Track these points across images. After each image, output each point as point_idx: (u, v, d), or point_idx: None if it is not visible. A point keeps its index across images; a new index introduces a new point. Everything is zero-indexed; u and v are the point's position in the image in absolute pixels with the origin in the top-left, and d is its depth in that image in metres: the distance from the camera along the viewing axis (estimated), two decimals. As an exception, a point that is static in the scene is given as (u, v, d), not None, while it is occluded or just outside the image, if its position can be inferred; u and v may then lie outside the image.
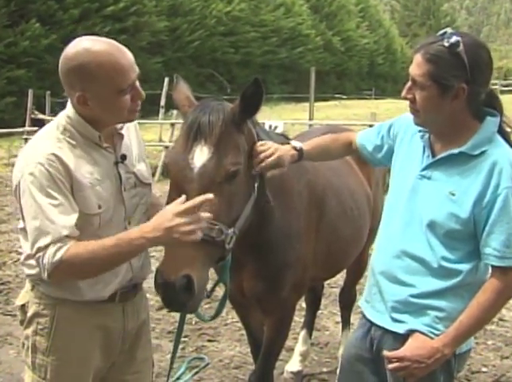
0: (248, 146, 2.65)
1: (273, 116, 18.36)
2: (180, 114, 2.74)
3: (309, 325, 4.91)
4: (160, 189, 12.36)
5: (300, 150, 2.77)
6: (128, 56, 2.31)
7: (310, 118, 16.48)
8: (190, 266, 2.27)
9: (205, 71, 31.89)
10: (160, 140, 16.34)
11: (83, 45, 2.26)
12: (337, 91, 39.67)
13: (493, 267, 2.32)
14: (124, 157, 2.45)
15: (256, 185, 2.68)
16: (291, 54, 41.42)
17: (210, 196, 2.15)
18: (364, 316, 2.64)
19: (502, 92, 38.23)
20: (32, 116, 18.67)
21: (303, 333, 4.83)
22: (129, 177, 2.46)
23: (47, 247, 2.16)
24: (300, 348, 4.74)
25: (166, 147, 14.24)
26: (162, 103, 16.52)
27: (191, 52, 33.94)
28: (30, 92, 18.93)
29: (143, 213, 2.53)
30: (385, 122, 2.79)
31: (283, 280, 3.16)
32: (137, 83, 2.35)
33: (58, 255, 2.14)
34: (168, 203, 2.44)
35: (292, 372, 4.60)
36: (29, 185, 2.20)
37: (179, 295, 2.26)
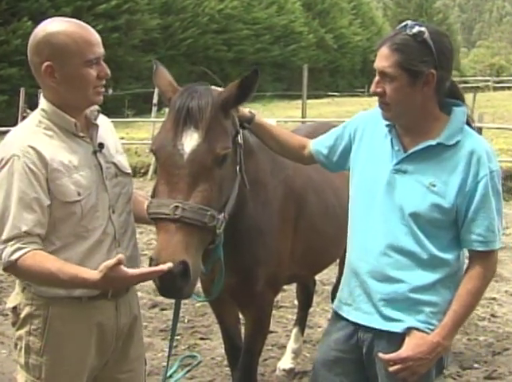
0: (234, 131, 2.68)
1: (265, 114, 18.36)
2: (164, 100, 2.72)
3: (301, 322, 4.92)
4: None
5: (251, 113, 2.83)
6: (95, 33, 2.39)
7: (303, 116, 16.47)
8: (185, 252, 2.28)
9: (198, 69, 31.78)
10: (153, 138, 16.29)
11: (52, 22, 2.38)
12: (330, 88, 39.75)
13: (476, 252, 2.37)
14: (101, 145, 2.48)
15: (238, 168, 2.70)
16: (284, 52, 41.39)
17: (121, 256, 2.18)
18: (344, 319, 2.59)
19: (495, 89, 38.38)
20: (25, 115, 18.52)
21: (295, 330, 4.84)
22: (109, 166, 2.50)
23: (7, 241, 2.22)
24: (292, 345, 4.75)
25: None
26: (155, 101, 16.49)
27: (183, 49, 33.89)
28: (22, 91, 18.82)
29: (125, 203, 2.56)
30: (338, 126, 2.81)
31: (255, 275, 3.15)
32: (103, 63, 2.40)
33: (14, 256, 2.21)
34: (155, 189, 2.49)
35: (284, 370, 4.61)
36: (2, 177, 2.26)
37: (176, 282, 2.26)
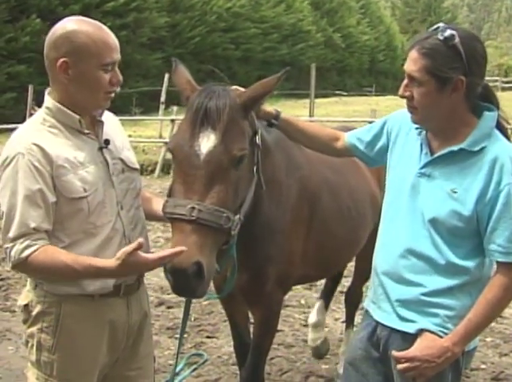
0: (251, 132, 2.67)
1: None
2: (181, 99, 2.70)
3: (327, 298, 4.90)
4: (160, 185, 12.36)
5: (277, 111, 2.82)
6: (114, 38, 2.39)
7: (310, 115, 16.49)
8: (199, 253, 2.29)
9: (206, 67, 31.73)
10: (161, 136, 16.36)
11: (74, 21, 2.38)
12: (338, 87, 39.66)
13: (498, 263, 2.31)
14: (107, 141, 2.47)
15: (255, 169, 2.70)
16: (292, 50, 41.31)
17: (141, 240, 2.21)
18: (370, 317, 2.61)
19: (503, 89, 38.22)
20: (33, 112, 18.47)
21: (318, 303, 4.85)
22: (115, 162, 2.50)
23: (16, 239, 2.23)
24: (314, 319, 4.76)
25: (166, 143, 14.23)
26: (162, 99, 16.56)
27: (191, 48, 33.88)
28: (30, 88, 18.90)
29: (133, 198, 2.56)
30: (377, 121, 2.78)
31: (266, 273, 3.16)
32: (117, 69, 2.40)
33: (25, 253, 2.22)
34: (171, 189, 2.50)
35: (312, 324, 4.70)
36: (7, 175, 2.27)
37: (190, 281, 2.28)
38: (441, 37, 2.24)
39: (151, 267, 2.27)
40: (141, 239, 2.18)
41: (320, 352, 4.71)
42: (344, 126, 4.90)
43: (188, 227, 2.32)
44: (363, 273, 4.66)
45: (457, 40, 2.22)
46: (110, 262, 2.19)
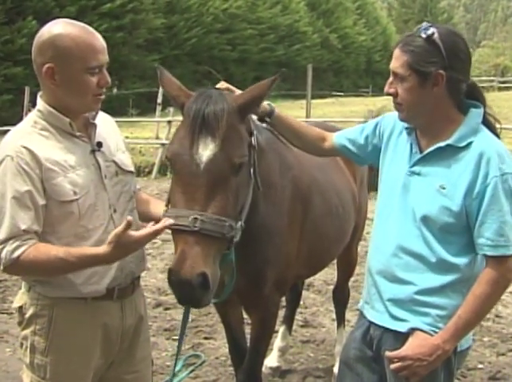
0: (248, 135, 2.65)
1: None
2: (175, 105, 2.65)
3: (289, 320, 4.94)
4: (158, 186, 12.35)
5: (271, 106, 2.82)
6: (101, 40, 2.38)
7: (307, 116, 16.48)
8: (204, 264, 2.28)
9: (202, 68, 31.80)
10: (157, 137, 16.36)
11: (60, 24, 2.35)
12: (334, 88, 39.77)
13: (487, 257, 2.32)
14: (100, 144, 2.46)
15: (251, 171, 2.67)
16: (288, 51, 41.42)
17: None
18: (364, 317, 2.61)
19: (500, 89, 38.30)
20: (29, 113, 18.61)
21: (282, 328, 4.87)
22: (108, 165, 2.48)
23: (6, 241, 2.22)
24: (279, 343, 4.78)
25: (163, 145, 14.27)
26: (159, 100, 16.54)
27: (188, 49, 33.95)
28: (27, 90, 18.87)
29: (127, 201, 2.55)
30: (368, 122, 2.80)
31: (265, 276, 3.15)
32: (105, 71, 2.39)
33: (16, 254, 2.21)
34: (171, 197, 2.47)
35: (271, 368, 4.64)
36: None
37: (196, 293, 2.27)
38: (423, 35, 2.31)
39: (143, 243, 2.28)
40: (129, 218, 2.17)
41: (269, 376, 4.69)
42: (319, 123, 4.92)
43: (191, 238, 2.29)
44: (346, 269, 4.72)
45: (436, 35, 2.29)
46: (102, 248, 2.19)
